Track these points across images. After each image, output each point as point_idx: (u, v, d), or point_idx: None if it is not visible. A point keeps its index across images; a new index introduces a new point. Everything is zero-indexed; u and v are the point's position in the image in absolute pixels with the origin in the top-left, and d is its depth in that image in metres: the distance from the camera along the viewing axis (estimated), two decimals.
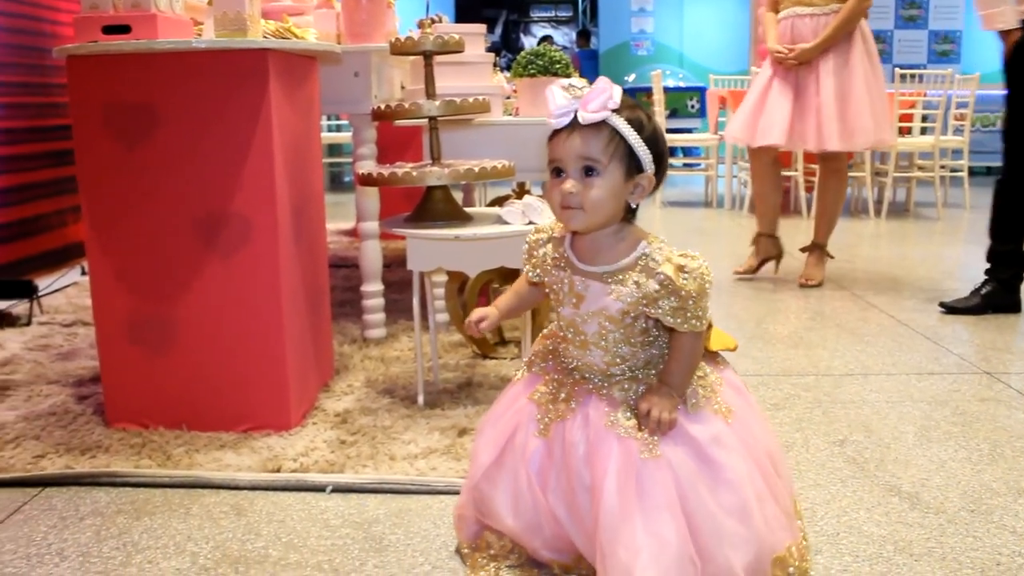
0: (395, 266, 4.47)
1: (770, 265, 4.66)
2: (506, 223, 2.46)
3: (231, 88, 2.26)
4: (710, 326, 1.55)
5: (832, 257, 4.57)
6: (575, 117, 1.39)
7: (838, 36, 4.13)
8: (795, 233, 6.02)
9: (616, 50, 12.48)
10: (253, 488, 2.12)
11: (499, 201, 3.87)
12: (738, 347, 1.66)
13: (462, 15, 13.68)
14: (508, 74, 4.06)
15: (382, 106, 2.45)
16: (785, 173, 7.02)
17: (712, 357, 1.58)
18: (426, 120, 2.58)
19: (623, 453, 1.41)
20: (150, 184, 2.33)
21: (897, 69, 6.90)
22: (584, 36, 12.87)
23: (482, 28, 3.32)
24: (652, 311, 1.43)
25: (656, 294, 1.41)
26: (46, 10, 4.50)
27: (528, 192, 3.67)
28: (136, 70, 2.28)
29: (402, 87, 3.46)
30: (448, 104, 2.43)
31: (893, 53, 10.75)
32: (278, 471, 2.17)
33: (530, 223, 2.45)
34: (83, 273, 4.52)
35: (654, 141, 1.41)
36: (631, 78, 11.37)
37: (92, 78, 2.31)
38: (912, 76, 7.23)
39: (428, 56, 2.53)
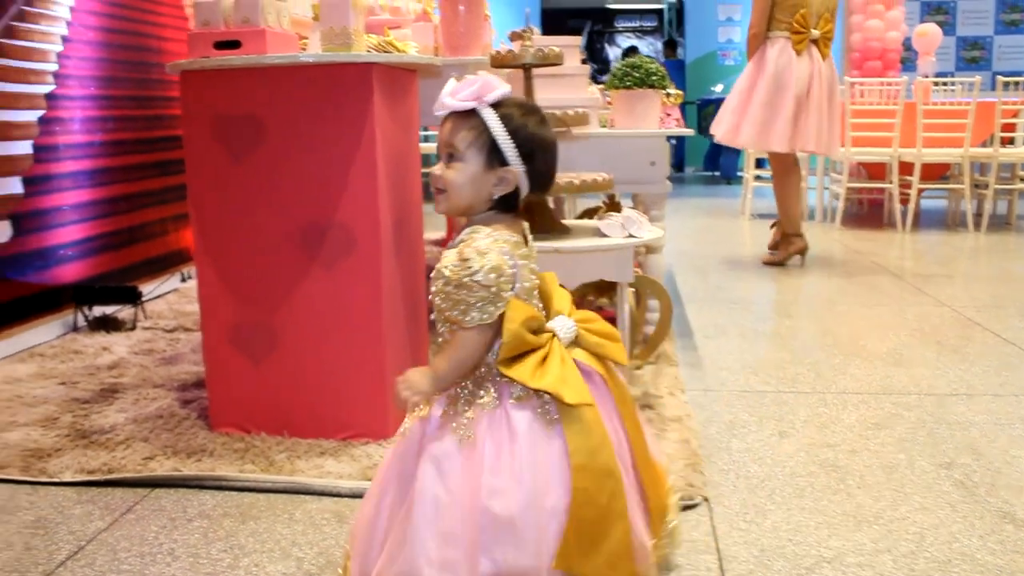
0: None
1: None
2: (605, 236, 2.45)
3: (336, 101, 2.30)
4: (517, 356, 1.40)
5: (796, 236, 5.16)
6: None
7: (748, 58, 5.07)
8: (889, 247, 5.88)
9: (703, 60, 12.37)
10: (353, 496, 2.15)
11: (589, 212, 3.86)
12: (581, 405, 1.40)
13: (547, 26, 13.72)
14: (599, 85, 4.06)
15: None
16: (879, 185, 6.88)
17: (531, 391, 1.41)
18: None
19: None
20: (256, 194, 2.39)
21: (999, 77, 6.68)
22: (671, 46, 12.77)
23: (577, 40, 3.33)
24: (431, 288, 1.44)
25: (436, 271, 1.41)
26: (153, 27, 4.67)
27: (618, 203, 3.67)
28: (245, 84, 2.34)
29: None
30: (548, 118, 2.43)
31: (993, 59, 10.42)
32: None
33: (630, 236, 2.44)
34: (183, 280, 4.66)
35: (524, 139, 1.41)
36: (719, 88, 11.25)
37: (203, 92, 2.38)
38: (1015, 84, 6.98)
39: (528, 69, 2.54)
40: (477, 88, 1.40)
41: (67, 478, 2.29)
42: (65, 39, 3.92)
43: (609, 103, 3.52)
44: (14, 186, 3.56)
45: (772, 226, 5.51)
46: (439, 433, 1.41)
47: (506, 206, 1.46)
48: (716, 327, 3.78)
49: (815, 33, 4.88)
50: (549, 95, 2.95)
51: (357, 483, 2.18)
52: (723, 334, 3.67)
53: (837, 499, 2.12)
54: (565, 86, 3.09)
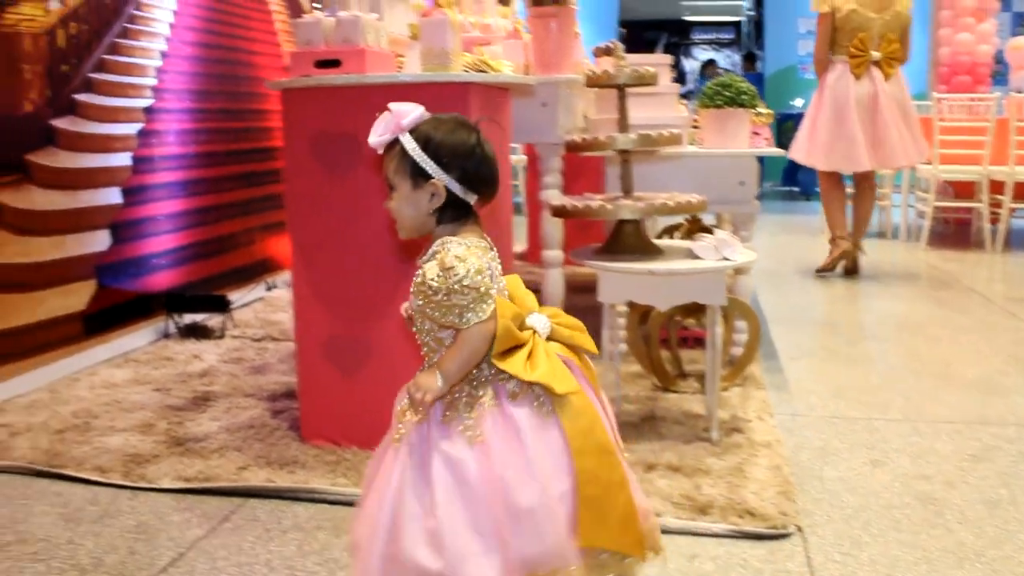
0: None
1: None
2: (699, 258, 2.43)
3: None
4: (518, 351, 1.48)
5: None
6: None
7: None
8: (977, 268, 5.72)
9: (783, 73, 12.20)
10: None
11: (670, 230, 3.84)
12: (570, 393, 1.48)
13: (623, 38, 13.69)
14: (682, 101, 4.04)
15: (577, 138, 2.47)
16: (968, 204, 6.70)
17: (526, 385, 1.48)
18: (614, 151, 2.59)
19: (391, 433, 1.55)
20: (352, 210, 2.43)
21: None
22: (749, 59, 12.63)
23: (668, 59, 3.32)
24: (416, 302, 1.50)
25: (418, 287, 1.48)
26: (245, 41, 4.79)
27: (700, 222, 3.64)
28: (344, 102, 2.39)
29: (584, 116, 3.48)
30: (643, 138, 2.43)
31: None
32: None
33: (724, 259, 2.42)
34: (268, 289, 4.75)
35: (435, 150, 1.48)
36: (799, 102, 11.09)
37: (303, 109, 2.43)
38: None
39: (621, 89, 2.54)
40: (390, 119, 1.51)
41: (165, 485, 2.35)
42: (164, 54, 4.03)
43: (696, 120, 3.50)
44: (114, 196, 3.68)
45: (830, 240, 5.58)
46: (447, 436, 1.46)
47: (458, 216, 1.52)
48: (801, 348, 3.72)
49: (875, 55, 5.05)
50: (640, 113, 2.94)
51: None
52: (809, 356, 3.62)
53: (936, 534, 2.07)
54: (656, 105, 3.08)
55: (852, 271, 5.39)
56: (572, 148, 2.51)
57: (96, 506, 2.28)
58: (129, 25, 3.80)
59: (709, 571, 1.93)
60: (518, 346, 1.48)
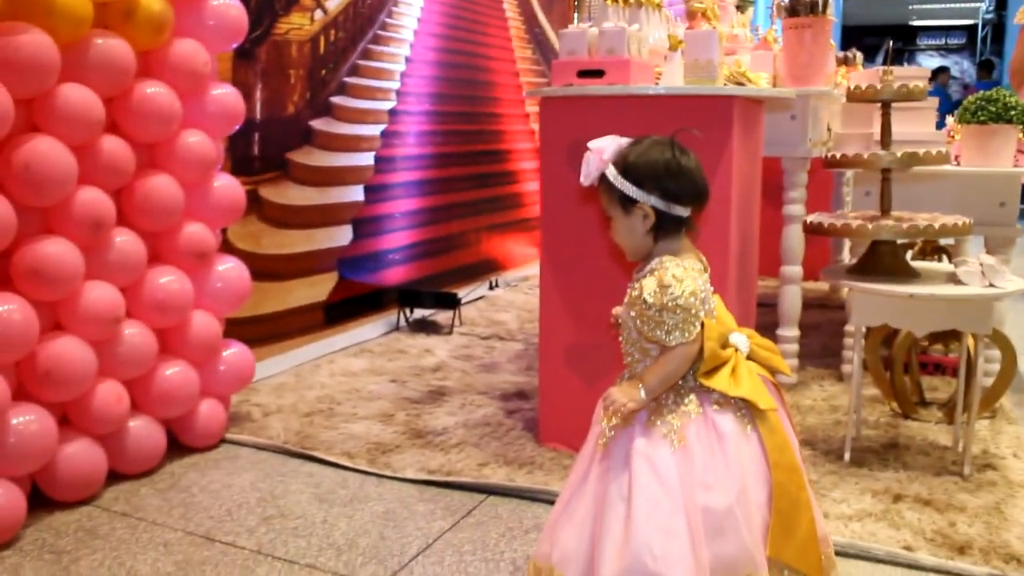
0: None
1: None
2: (963, 284, 2.29)
3: None
4: (717, 366, 1.54)
5: None
6: None
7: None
8: None
9: None
10: None
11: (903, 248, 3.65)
12: (770, 410, 1.55)
13: (844, 43, 13.13)
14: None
15: (836, 155, 2.39)
16: None
17: (729, 398, 1.55)
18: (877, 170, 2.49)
19: (593, 436, 1.63)
20: (604, 220, 2.44)
21: None
22: (986, 67, 11.80)
23: (926, 72, 3.16)
24: (629, 313, 1.57)
25: (633, 299, 1.55)
26: (481, 47, 4.94)
27: (934, 241, 3.44)
28: (602, 111, 2.41)
29: (828, 129, 3.37)
30: (909, 156, 2.33)
31: None
32: None
33: (991, 286, 2.28)
34: (491, 288, 4.87)
35: (630, 174, 1.54)
36: None
37: (561, 118, 2.47)
38: None
39: (886, 104, 2.44)
40: (592, 157, 1.58)
41: (410, 475, 2.45)
42: (407, 59, 4.21)
43: (950, 135, 3.31)
44: (357, 194, 3.88)
45: None
46: (649, 439, 1.53)
47: (675, 231, 1.58)
48: None
49: None
50: (898, 129, 2.81)
51: None
52: None
53: None
54: (914, 120, 2.93)
55: None
56: (831, 164, 2.43)
57: (346, 489, 2.41)
58: (380, 32, 4.00)
59: None
60: (723, 363, 1.56)
